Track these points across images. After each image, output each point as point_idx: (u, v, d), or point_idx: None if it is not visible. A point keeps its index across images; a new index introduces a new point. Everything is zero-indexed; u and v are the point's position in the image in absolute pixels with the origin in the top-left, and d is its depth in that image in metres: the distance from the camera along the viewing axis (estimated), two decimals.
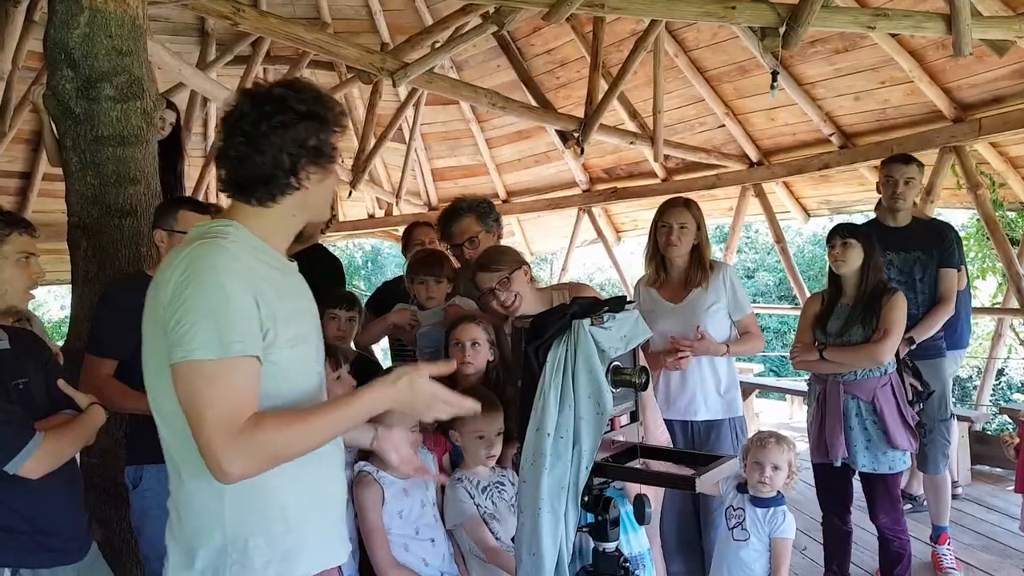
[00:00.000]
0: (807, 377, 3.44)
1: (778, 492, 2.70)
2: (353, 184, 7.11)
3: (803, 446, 3.60)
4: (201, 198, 6.78)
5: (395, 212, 8.69)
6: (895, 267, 3.56)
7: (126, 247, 3.01)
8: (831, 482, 3.20)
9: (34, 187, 6.97)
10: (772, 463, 2.65)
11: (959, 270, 3.67)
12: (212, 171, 6.92)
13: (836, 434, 3.03)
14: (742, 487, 2.76)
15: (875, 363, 3.02)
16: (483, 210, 3.08)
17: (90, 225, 3.01)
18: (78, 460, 2.37)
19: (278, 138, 1.45)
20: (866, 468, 3.06)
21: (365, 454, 2.26)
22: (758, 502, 2.69)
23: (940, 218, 4.61)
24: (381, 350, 4.27)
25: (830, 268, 3.21)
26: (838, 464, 3.08)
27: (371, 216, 9.17)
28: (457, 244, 3.05)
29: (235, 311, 1.36)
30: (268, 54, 6.75)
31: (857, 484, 3.23)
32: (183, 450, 1.43)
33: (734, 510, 2.74)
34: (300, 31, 4.04)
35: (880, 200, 4.75)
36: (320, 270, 3.36)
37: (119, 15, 2.97)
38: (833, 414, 3.05)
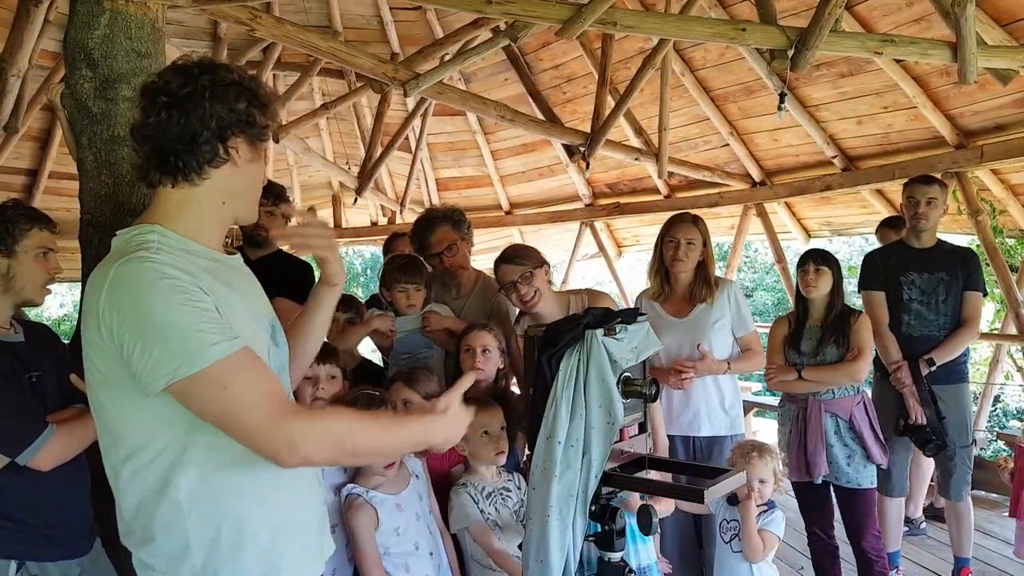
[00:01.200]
0: (779, 397, 3.49)
1: (768, 500, 2.73)
2: (359, 191, 7.15)
3: None
4: None
5: (398, 220, 8.73)
6: (917, 287, 3.55)
7: None
8: (812, 498, 3.25)
9: (40, 184, 6.99)
10: (758, 477, 2.68)
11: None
12: None
13: (819, 451, 3.11)
14: (732, 499, 2.77)
15: (854, 381, 3.15)
16: (457, 218, 3.15)
17: (103, 223, 3.02)
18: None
19: (205, 100, 1.36)
20: (851, 484, 3.13)
21: (352, 475, 2.25)
22: None
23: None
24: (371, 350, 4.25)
25: (797, 291, 3.33)
26: (818, 482, 3.15)
27: (374, 224, 9.21)
28: (435, 253, 3.09)
29: (191, 317, 1.27)
30: (279, 60, 6.80)
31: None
32: (159, 476, 1.34)
33: (728, 523, 2.76)
34: (315, 39, 4.07)
35: (880, 222, 4.82)
36: (280, 276, 3.38)
37: (139, 17, 3.00)
38: (815, 433, 3.13)
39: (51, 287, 2.27)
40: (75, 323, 3.22)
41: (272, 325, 1.57)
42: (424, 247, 3.12)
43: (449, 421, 1.44)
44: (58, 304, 16.36)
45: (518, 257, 2.70)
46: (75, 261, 2.86)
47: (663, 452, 2.76)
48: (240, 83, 1.41)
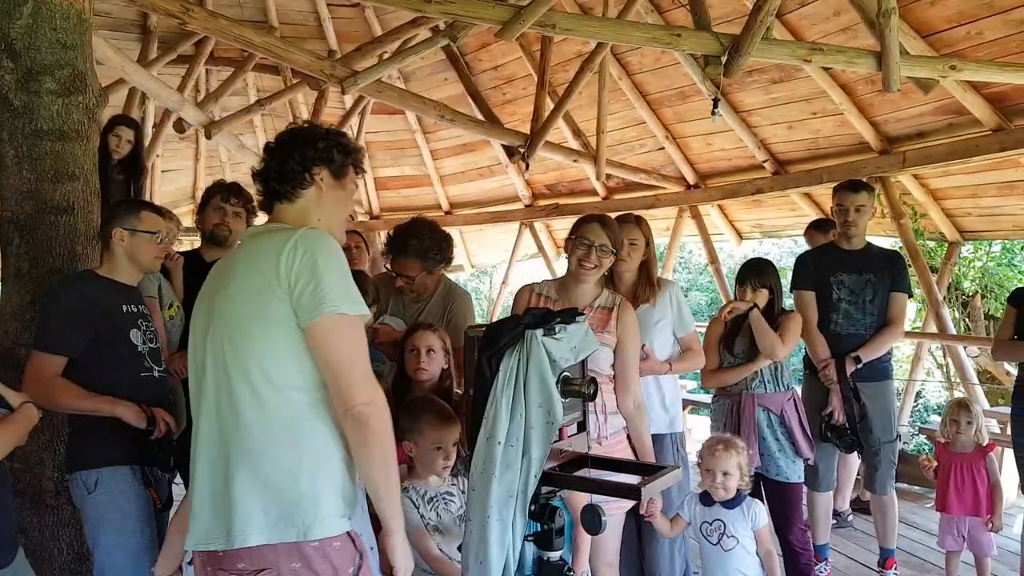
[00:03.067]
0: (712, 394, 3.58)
1: (738, 490, 2.78)
2: None
3: None
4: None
5: None
6: (846, 288, 3.64)
7: (61, 244, 2.92)
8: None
9: None
10: (722, 470, 2.73)
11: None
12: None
13: (752, 443, 3.18)
14: (705, 499, 2.81)
15: (771, 352, 3.22)
16: (433, 258, 3.14)
17: (24, 221, 2.91)
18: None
19: (297, 143, 1.84)
20: (780, 477, 3.23)
21: None
22: (729, 504, 2.76)
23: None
24: None
25: (735, 294, 3.45)
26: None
27: None
28: (393, 271, 3.13)
29: (352, 280, 1.68)
30: (212, 55, 6.62)
31: None
32: (289, 410, 1.62)
33: (710, 524, 2.78)
34: (250, 34, 3.99)
35: (808, 225, 4.99)
36: None
37: (65, 8, 2.90)
38: (748, 425, 3.22)
39: None
40: None
41: None
42: (392, 259, 3.14)
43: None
44: None
45: (612, 229, 2.67)
46: None
47: (649, 457, 2.72)
48: (326, 134, 1.89)
